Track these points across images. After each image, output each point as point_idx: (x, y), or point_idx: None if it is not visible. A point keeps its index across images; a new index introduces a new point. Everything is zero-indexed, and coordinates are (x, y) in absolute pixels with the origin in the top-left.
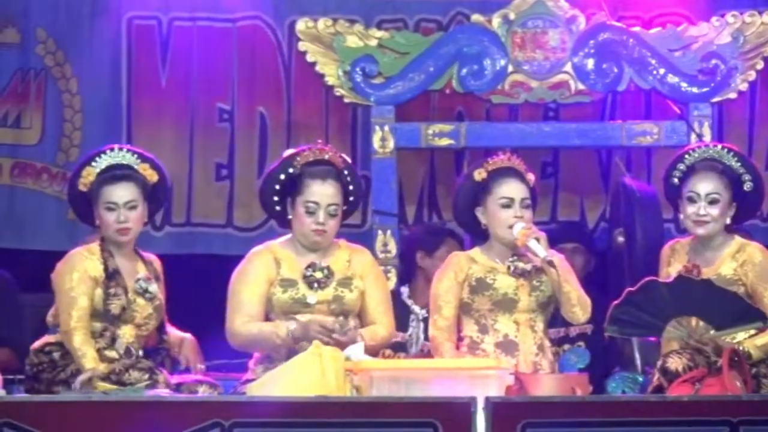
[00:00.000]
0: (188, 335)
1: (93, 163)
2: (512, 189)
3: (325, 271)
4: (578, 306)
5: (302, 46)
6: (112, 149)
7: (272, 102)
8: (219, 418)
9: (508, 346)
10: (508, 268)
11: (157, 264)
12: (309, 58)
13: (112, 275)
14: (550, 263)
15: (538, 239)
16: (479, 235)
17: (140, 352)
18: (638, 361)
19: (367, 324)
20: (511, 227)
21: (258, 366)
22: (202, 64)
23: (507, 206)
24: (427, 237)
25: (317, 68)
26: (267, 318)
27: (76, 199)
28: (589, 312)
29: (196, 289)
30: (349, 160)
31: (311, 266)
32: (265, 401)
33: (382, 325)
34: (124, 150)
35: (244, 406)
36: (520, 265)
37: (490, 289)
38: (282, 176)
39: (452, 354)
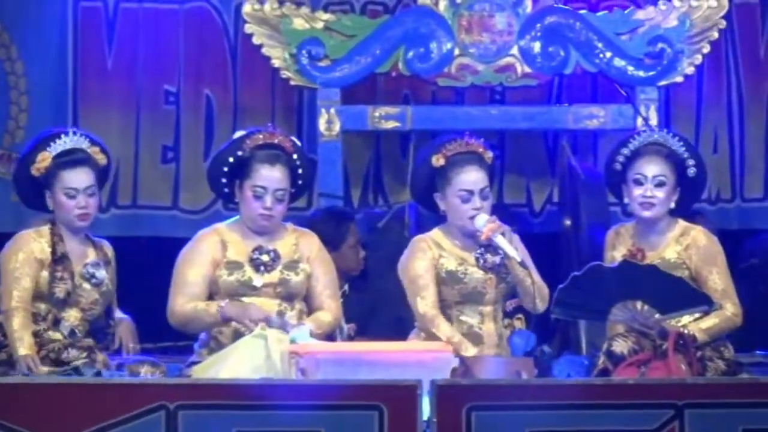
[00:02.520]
0: (126, 317)
1: (48, 148)
2: (471, 179)
3: (272, 254)
4: (539, 297)
5: (249, 28)
6: (66, 133)
7: (218, 84)
8: (164, 400)
9: (473, 338)
10: (477, 260)
11: (108, 249)
12: (255, 40)
13: (59, 259)
14: (522, 264)
15: (503, 233)
16: (440, 216)
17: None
18: (584, 344)
19: (313, 308)
20: (471, 218)
21: (203, 348)
22: (149, 46)
23: (466, 200)
24: (331, 230)
25: (263, 51)
26: (211, 300)
27: (23, 182)
28: (547, 301)
29: (142, 271)
30: (299, 143)
31: (258, 249)
32: (210, 384)
33: (328, 310)
34: (78, 134)
35: (189, 388)
36: (490, 257)
37: (460, 283)
38: (231, 158)
39: (450, 331)
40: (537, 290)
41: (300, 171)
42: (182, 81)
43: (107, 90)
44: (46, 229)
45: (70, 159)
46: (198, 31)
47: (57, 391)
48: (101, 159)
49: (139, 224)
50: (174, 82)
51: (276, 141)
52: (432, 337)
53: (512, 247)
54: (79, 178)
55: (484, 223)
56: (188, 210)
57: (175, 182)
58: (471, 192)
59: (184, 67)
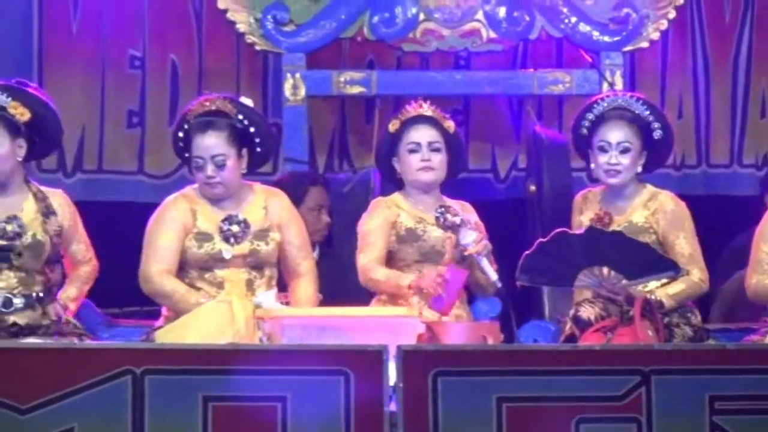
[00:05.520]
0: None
1: None
2: (420, 134)
3: (242, 225)
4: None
5: None
6: None
7: (183, 49)
8: (130, 365)
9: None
10: (437, 219)
11: (57, 198)
12: (220, 5)
13: None
14: (495, 285)
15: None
16: (400, 184)
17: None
18: (546, 309)
19: (289, 271)
20: (419, 170)
21: (170, 313)
22: (114, 9)
23: (414, 151)
24: (287, 191)
25: (228, 15)
26: (181, 269)
27: None
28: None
29: (107, 236)
30: (249, 103)
31: (227, 219)
32: (177, 348)
33: (306, 275)
34: None
35: (155, 353)
36: (449, 217)
37: (419, 240)
38: (180, 134)
39: (387, 272)
40: (491, 285)
41: (252, 130)
42: (147, 45)
43: (72, 54)
44: None
45: None
46: None
47: (20, 355)
48: (21, 113)
49: (104, 189)
50: (139, 46)
51: (213, 108)
52: (376, 288)
53: (492, 270)
54: None
55: (471, 242)
56: (153, 175)
57: (140, 147)
58: (418, 144)
59: (149, 31)
